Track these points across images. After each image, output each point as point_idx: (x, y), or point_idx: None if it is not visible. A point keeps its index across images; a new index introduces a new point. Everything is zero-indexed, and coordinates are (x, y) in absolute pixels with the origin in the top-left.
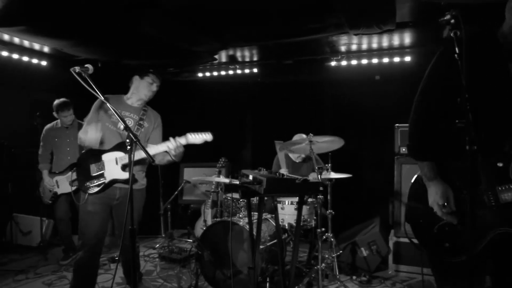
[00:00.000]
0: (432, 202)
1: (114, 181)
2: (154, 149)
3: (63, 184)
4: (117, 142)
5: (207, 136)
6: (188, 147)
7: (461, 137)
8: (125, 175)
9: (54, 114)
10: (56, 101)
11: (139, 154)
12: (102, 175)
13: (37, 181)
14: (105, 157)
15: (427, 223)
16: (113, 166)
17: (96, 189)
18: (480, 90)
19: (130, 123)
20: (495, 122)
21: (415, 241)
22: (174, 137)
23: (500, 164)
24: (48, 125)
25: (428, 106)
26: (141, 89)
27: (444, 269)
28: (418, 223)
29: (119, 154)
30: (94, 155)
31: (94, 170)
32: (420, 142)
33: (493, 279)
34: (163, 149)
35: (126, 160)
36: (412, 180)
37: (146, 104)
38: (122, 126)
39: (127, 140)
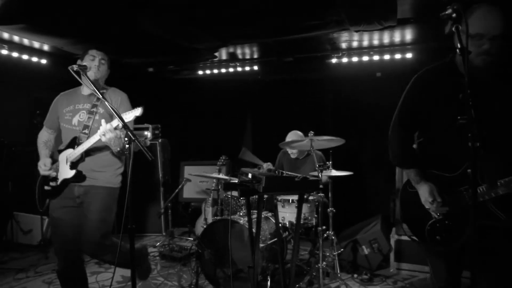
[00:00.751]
0: (424, 201)
1: (65, 181)
2: (88, 143)
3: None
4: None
5: (137, 112)
6: (190, 146)
7: (441, 150)
8: (71, 173)
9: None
10: None
11: (89, 142)
12: (56, 177)
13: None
14: (60, 157)
15: (420, 221)
16: (64, 165)
17: (55, 193)
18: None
19: (84, 116)
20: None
21: (414, 237)
22: (173, 142)
23: (469, 171)
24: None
25: (405, 126)
26: (88, 65)
27: (437, 257)
28: (412, 222)
29: (68, 151)
30: (55, 156)
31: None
32: (402, 153)
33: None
34: (95, 139)
35: (73, 157)
36: (400, 188)
37: (105, 87)
38: (75, 122)
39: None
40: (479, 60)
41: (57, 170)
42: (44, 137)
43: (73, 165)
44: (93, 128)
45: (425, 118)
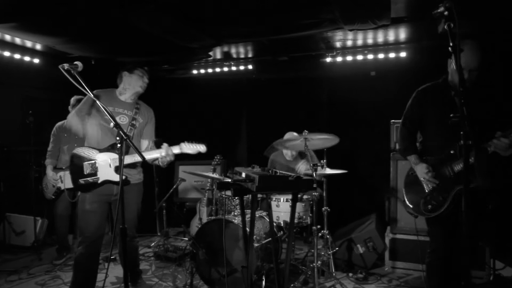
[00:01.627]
0: (421, 174)
1: (106, 182)
2: (147, 155)
3: (68, 179)
4: (111, 141)
5: (201, 148)
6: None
7: (434, 143)
8: (117, 177)
9: (70, 108)
10: (75, 97)
11: (132, 158)
12: (95, 174)
13: (31, 178)
14: (99, 157)
15: (417, 197)
16: (106, 167)
17: (91, 188)
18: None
19: (125, 120)
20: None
21: (413, 212)
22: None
23: (452, 151)
24: (59, 123)
25: (408, 127)
26: (134, 83)
27: (432, 222)
28: (412, 199)
29: (112, 156)
30: (88, 153)
31: (87, 169)
32: (404, 144)
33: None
34: (155, 156)
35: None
36: (406, 174)
37: (138, 99)
38: (112, 124)
39: (117, 138)
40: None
41: (95, 169)
42: (77, 121)
43: (117, 169)
44: (135, 133)
45: (423, 122)
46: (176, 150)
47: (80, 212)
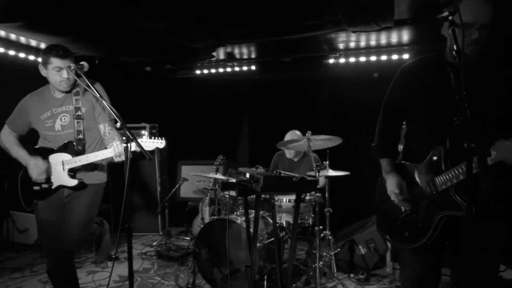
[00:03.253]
0: (390, 191)
1: (61, 187)
2: (100, 155)
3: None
4: (64, 140)
5: (159, 143)
6: (185, 145)
7: (417, 140)
8: (73, 182)
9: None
10: None
11: (101, 155)
12: (49, 179)
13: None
14: (52, 158)
15: (391, 217)
16: (60, 170)
17: (45, 194)
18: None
19: (66, 119)
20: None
21: (386, 236)
22: (169, 143)
23: (435, 158)
24: None
25: (388, 118)
26: (52, 81)
27: (406, 255)
28: (384, 218)
29: (66, 157)
30: (42, 154)
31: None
32: (381, 143)
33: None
34: (105, 156)
35: (73, 165)
36: (378, 182)
37: (75, 83)
38: (58, 127)
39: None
40: (467, 50)
41: (49, 172)
42: (11, 137)
43: (72, 171)
44: (88, 133)
45: (408, 111)
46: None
47: (36, 222)
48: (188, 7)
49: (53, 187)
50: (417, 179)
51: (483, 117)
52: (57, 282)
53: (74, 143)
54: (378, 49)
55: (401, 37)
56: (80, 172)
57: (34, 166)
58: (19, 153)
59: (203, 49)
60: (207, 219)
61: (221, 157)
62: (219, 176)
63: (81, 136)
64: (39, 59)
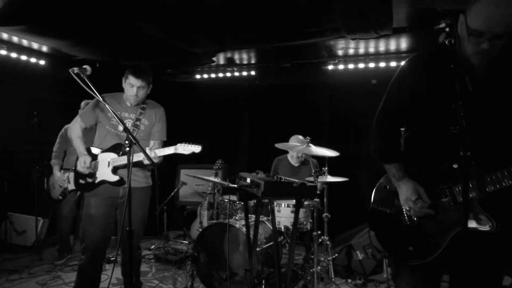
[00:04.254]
0: (405, 200)
1: (103, 182)
2: (136, 158)
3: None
4: (115, 142)
5: (196, 149)
6: None
7: (426, 144)
8: (114, 178)
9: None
10: (85, 101)
11: (136, 157)
12: (93, 175)
13: (34, 178)
14: (100, 157)
15: (391, 228)
16: (105, 167)
17: (89, 188)
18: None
19: (129, 124)
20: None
21: (382, 250)
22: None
23: (455, 166)
24: (68, 125)
25: (389, 117)
26: (126, 93)
27: (406, 272)
28: (382, 230)
29: (112, 156)
30: (92, 153)
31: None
32: (386, 145)
33: (452, 277)
34: (139, 157)
35: (117, 163)
36: (375, 188)
37: (147, 99)
38: (121, 128)
39: (126, 142)
40: (475, 59)
41: (95, 169)
42: (78, 131)
43: (115, 170)
44: (141, 137)
45: (414, 107)
46: (170, 150)
47: (85, 217)
48: (190, 13)
49: (97, 181)
50: (431, 188)
51: (487, 124)
52: (86, 277)
53: (122, 145)
54: (377, 56)
55: (399, 45)
56: (123, 171)
57: (81, 160)
58: (80, 146)
59: (203, 54)
60: (205, 223)
61: (220, 162)
62: (218, 180)
63: None
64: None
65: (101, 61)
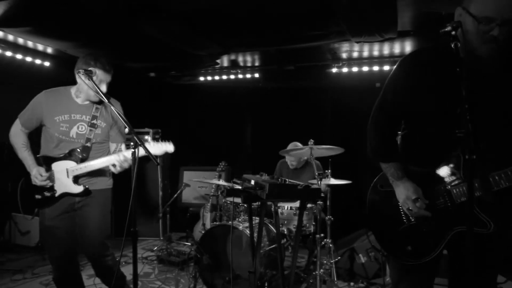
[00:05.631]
0: (404, 199)
1: (65, 195)
2: (105, 161)
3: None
4: (69, 147)
5: (168, 147)
6: (188, 150)
7: (424, 144)
8: (78, 189)
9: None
10: None
11: (95, 165)
12: (52, 188)
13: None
14: (55, 166)
15: (389, 229)
16: (64, 177)
17: (48, 203)
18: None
19: (84, 129)
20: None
21: (381, 250)
22: (129, 145)
23: (452, 166)
24: None
25: (387, 113)
26: (88, 89)
27: (403, 271)
28: (379, 229)
29: (70, 164)
30: (46, 162)
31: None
32: (384, 144)
33: (450, 276)
34: (108, 162)
35: (78, 172)
36: (370, 188)
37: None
38: (72, 133)
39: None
40: (484, 49)
41: (52, 180)
42: (21, 137)
43: (76, 179)
44: (96, 143)
45: (413, 106)
46: (128, 154)
47: (41, 229)
48: (194, 16)
49: (57, 194)
50: (428, 187)
51: (493, 122)
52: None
53: (79, 150)
54: (381, 59)
55: (404, 48)
56: (84, 178)
57: (37, 174)
58: (26, 158)
59: (207, 56)
60: (208, 225)
61: (223, 164)
62: (222, 182)
63: (88, 144)
64: (79, 67)
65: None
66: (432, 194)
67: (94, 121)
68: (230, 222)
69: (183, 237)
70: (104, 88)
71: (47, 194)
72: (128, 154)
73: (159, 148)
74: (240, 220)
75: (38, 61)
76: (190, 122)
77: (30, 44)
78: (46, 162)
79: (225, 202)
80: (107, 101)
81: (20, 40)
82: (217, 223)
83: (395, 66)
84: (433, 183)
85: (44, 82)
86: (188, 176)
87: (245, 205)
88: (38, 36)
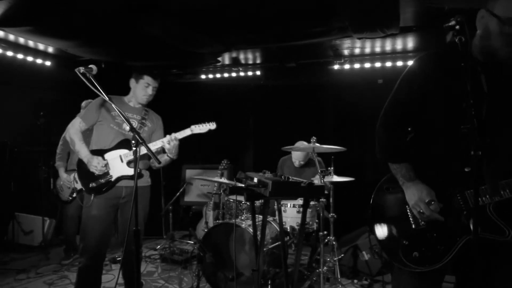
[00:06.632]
0: (416, 201)
1: (120, 178)
2: (152, 147)
3: None
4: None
5: (211, 126)
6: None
7: (436, 146)
8: (131, 171)
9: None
10: (86, 101)
11: (141, 150)
12: (107, 174)
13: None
14: (108, 156)
15: (394, 233)
16: (118, 163)
17: (104, 188)
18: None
19: (134, 123)
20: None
21: (384, 254)
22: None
23: (468, 169)
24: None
25: (398, 115)
26: (138, 93)
27: (407, 278)
28: (384, 234)
29: (123, 151)
30: (98, 155)
31: None
32: (393, 144)
33: (458, 283)
34: (159, 145)
35: (131, 157)
36: (375, 190)
37: (147, 107)
38: (127, 127)
39: (133, 142)
40: (504, 52)
41: (107, 168)
42: (79, 133)
43: (129, 163)
44: (144, 138)
45: (424, 108)
46: (187, 132)
47: (85, 217)
48: (195, 14)
49: (113, 179)
50: (441, 192)
51: (503, 126)
52: (86, 280)
53: (130, 140)
54: (383, 56)
55: (406, 44)
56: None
57: (95, 162)
58: (82, 149)
59: (208, 54)
60: (211, 223)
61: (225, 162)
62: (224, 180)
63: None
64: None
65: (107, 61)
66: (445, 197)
67: (144, 121)
68: (233, 220)
69: (186, 235)
70: (150, 91)
71: (102, 181)
72: (175, 134)
73: (204, 127)
74: (242, 218)
75: (39, 61)
76: (192, 120)
77: (31, 43)
78: (98, 154)
79: (228, 200)
80: (106, 98)
81: (21, 40)
82: (220, 221)
83: (410, 65)
84: (446, 186)
85: (45, 82)
86: (191, 174)
87: (248, 203)
88: (38, 36)
